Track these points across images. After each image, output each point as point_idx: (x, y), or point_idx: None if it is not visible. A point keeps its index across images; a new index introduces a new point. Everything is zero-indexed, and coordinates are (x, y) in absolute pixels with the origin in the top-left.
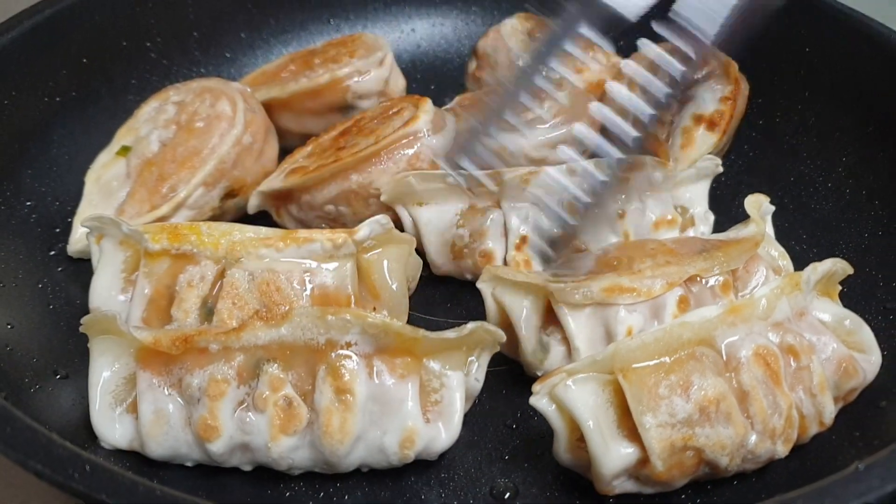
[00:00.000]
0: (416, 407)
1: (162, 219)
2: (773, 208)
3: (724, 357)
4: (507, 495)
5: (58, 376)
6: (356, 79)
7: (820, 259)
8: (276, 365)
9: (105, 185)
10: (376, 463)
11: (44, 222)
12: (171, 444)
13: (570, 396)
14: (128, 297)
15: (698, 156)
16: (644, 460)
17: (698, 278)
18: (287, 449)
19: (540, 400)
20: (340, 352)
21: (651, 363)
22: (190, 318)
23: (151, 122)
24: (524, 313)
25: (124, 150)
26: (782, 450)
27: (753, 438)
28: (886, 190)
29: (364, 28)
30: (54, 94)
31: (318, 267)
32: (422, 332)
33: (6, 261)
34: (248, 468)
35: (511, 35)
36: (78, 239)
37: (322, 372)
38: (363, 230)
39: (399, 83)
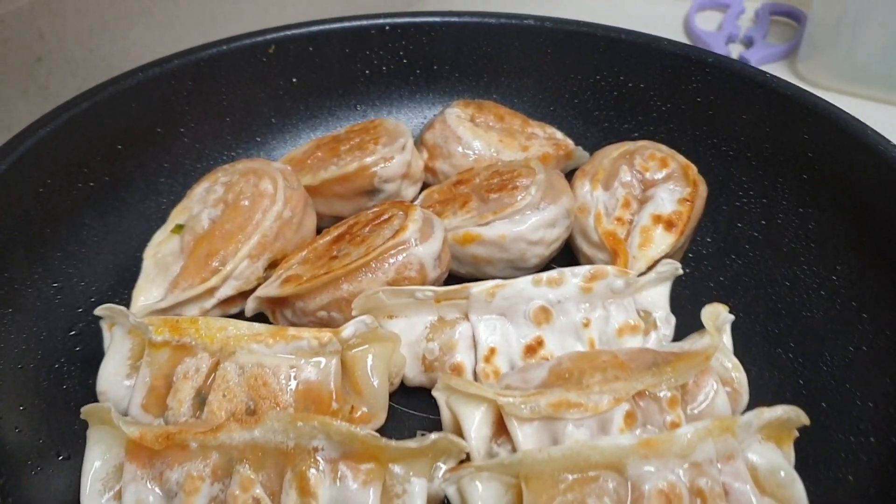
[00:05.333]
0: None
1: (212, 290)
2: (731, 318)
3: (629, 486)
4: None
5: (60, 457)
6: (382, 165)
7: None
8: (247, 465)
9: (161, 261)
10: None
11: (67, 303)
12: None
13: (473, 492)
14: (132, 383)
15: (656, 255)
16: None
17: (646, 393)
18: None
19: (448, 487)
20: (308, 456)
21: (554, 477)
22: (184, 407)
23: (202, 202)
24: (475, 423)
25: (178, 228)
26: None
27: None
28: (876, 304)
29: (388, 113)
30: (88, 180)
31: (303, 363)
32: (384, 440)
33: (27, 342)
34: None
35: (458, 124)
36: (138, 310)
37: (289, 475)
38: (348, 329)
39: (419, 165)
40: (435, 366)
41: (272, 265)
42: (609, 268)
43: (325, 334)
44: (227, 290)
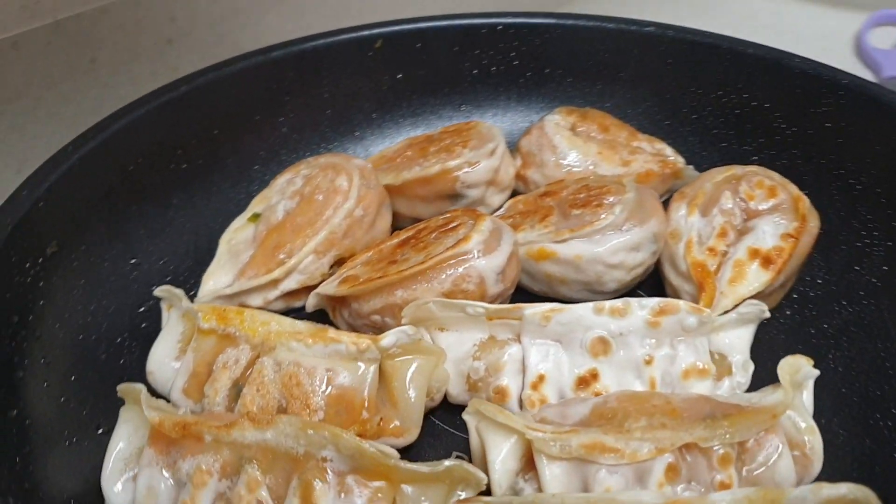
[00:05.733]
0: None
1: (275, 281)
2: (814, 373)
3: None
4: None
5: (99, 431)
6: (466, 170)
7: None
8: (256, 466)
9: (234, 248)
10: None
11: (142, 279)
12: None
13: None
14: (179, 366)
15: (746, 293)
16: None
17: (696, 446)
18: None
19: None
20: (317, 465)
21: None
22: (219, 396)
23: (281, 193)
24: (502, 454)
25: (255, 217)
26: None
27: None
28: None
29: (494, 116)
30: (181, 162)
31: (340, 367)
32: (395, 460)
33: (94, 313)
34: None
35: (555, 132)
36: (205, 294)
37: (296, 481)
38: (388, 338)
39: (509, 172)
40: (479, 386)
41: (339, 263)
42: (682, 303)
43: (364, 341)
44: (290, 284)
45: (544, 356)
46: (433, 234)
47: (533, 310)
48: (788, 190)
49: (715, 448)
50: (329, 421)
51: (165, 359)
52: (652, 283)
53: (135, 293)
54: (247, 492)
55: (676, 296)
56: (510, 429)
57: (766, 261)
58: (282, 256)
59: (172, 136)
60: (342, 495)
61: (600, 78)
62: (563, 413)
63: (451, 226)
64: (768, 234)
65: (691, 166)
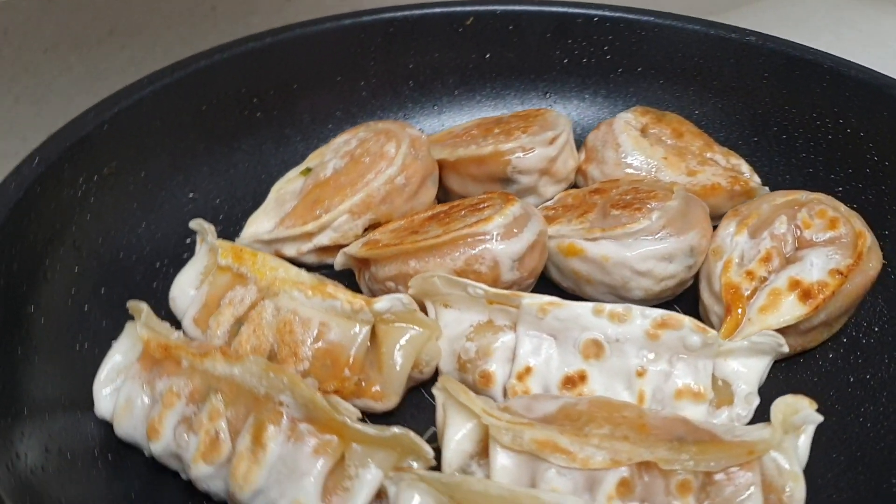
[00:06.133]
0: (314, 486)
1: (309, 235)
2: (817, 419)
3: None
4: None
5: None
6: (518, 154)
7: None
8: (221, 398)
9: (281, 197)
10: None
11: (195, 213)
12: (130, 431)
13: (407, 499)
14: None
15: (776, 324)
16: None
17: (656, 467)
18: (203, 475)
19: (390, 485)
20: (273, 407)
21: None
22: (220, 330)
23: (335, 152)
24: (459, 434)
25: (306, 171)
26: None
27: None
28: None
29: (577, 108)
30: (256, 110)
31: (334, 323)
32: (344, 417)
33: (140, 237)
34: (184, 477)
35: (623, 130)
36: (246, 236)
37: (252, 419)
38: (382, 303)
39: (568, 164)
40: (468, 367)
41: (374, 227)
42: (686, 319)
43: (359, 301)
44: (323, 239)
45: (536, 349)
46: (462, 212)
47: (531, 300)
48: (852, 224)
49: (677, 472)
50: (313, 372)
51: (187, 287)
52: (690, 299)
53: (184, 224)
54: (208, 420)
55: (706, 315)
56: (471, 411)
57: (806, 294)
58: (319, 212)
59: (251, 84)
60: (292, 440)
61: (693, 83)
62: (530, 406)
63: (482, 205)
64: (816, 266)
65: (766, 188)
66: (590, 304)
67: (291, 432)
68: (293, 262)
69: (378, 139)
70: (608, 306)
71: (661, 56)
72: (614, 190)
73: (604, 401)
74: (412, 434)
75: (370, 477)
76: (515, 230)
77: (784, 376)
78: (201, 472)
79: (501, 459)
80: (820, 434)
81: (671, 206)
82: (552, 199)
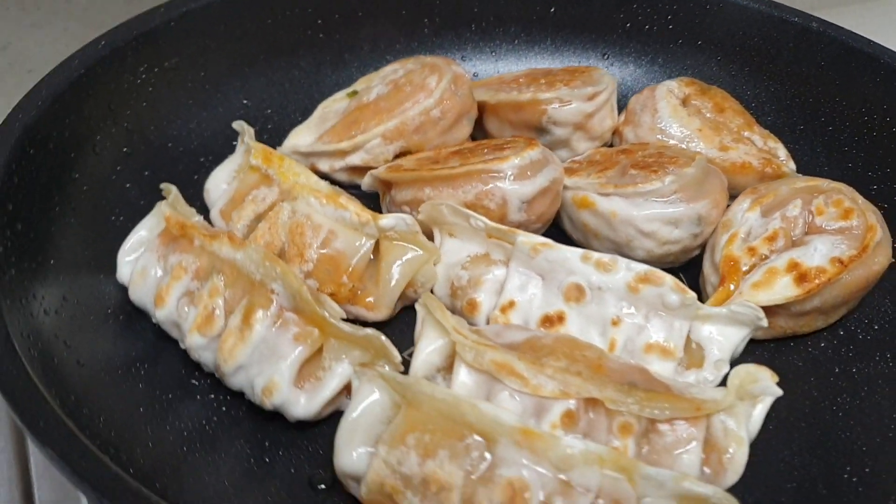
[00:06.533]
0: (289, 369)
1: (342, 153)
2: (777, 392)
3: (488, 462)
4: (322, 486)
5: None
6: (555, 105)
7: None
8: (222, 278)
9: (325, 115)
10: (249, 395)
11: (246, 117)
12: (141, 297)
13: (365, 393)
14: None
15: (765, 301)
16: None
17: (603, 406)
18: (196, 345)
19: (354, 379)
20: (266, 294)
21: (429, 415)
22: (240, 223)
23: (383, 79)
24: (430, 348)
25: (353, 94)
26: None
27: None
28: None
29: (632, 73)
30: (319, 31)
31: (342, 232)
32: (324, 311)
33: (191, 132)
34: (182, 346)
35: (663, 97)
36: (286, 147)
37: (245, 301)
38: (387, 220)
39: (605, 123)
40: (458, 294)
41: (404, 153)
42: (668, 278)
43: (366, 215)
44: (355, 159)
45: (523, 286)
46: (485, 150)
47: (526, 238)
48: (866, 217)
49: (622, 414)
50: (315, 274)
51: (221, 181)
52: (696, 269)
53: (228, 127)
54: (208, 296)
55: (704, 285)
56: (444, 327)
57: (802, 277)
58: (355, 133)
59: (318, 5)
60: (277, 326)
61: (749, 63)
62: (500, 333)
63: (505, 146)
64: (819, 252)
65: (801, 175)
66: (579, 250)
67: (278, 318)
68: (325, 177)
69: (423, 71)
70: (596, 254)
71: (723, 32)
72: (640, 152)
73: (570, 339)
74: (383, 337)
75: (341, 370)
76: (529, 173)
77: (770, 356)
78: (195, 342)
79: (462, 376)
80: (789, 413)
81: (687, 172)
82: (583, 153)
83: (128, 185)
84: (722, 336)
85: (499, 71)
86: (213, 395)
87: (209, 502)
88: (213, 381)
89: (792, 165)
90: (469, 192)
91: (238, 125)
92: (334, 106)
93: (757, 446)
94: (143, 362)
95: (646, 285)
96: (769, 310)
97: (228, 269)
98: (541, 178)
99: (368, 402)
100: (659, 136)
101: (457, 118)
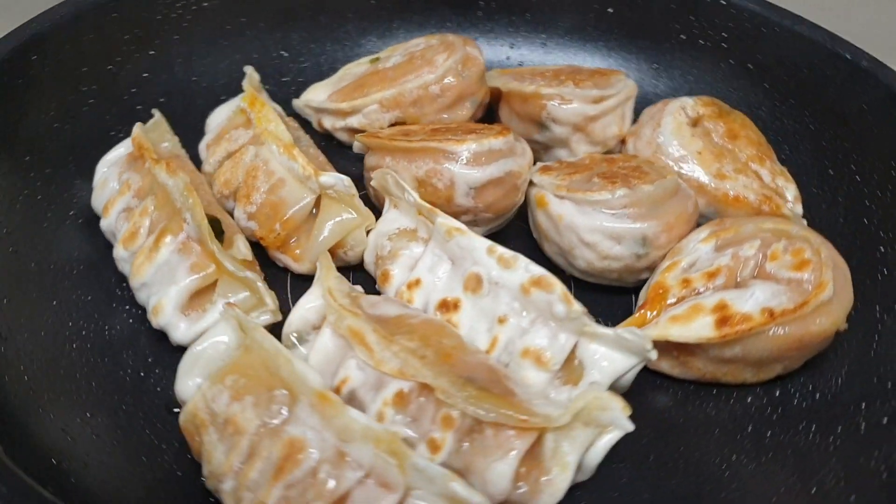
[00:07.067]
0: (177, 293)
1: (344, 112)
2: (628, 427)
3: (283, 418)
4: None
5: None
6: (555, 102)
7: None
8: (153, 200)
9: (343, 76)
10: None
11: (279, 69)
12: (97, 204)
13: (222, 327)
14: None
15: (675, 337)
16: None
17: (435, 394)
18: (119, 257)
19: (221, 317)
20: (179, 221)
21: (252, 361)
22: (212, 158)
23: (405, 50)
24: (309, 304)
25: (375, 60)
26: None
27: (229, 484)
28: None
29: (680, 87)
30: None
31: (291, 183)
32: (214, 246)
33: (215, 70)
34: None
35: (671, 112)
36: (301, 101)
37: (163, 224)
38: (327, 177)
39: (610, 130)
40: (378, 263)
41: (399, 123)
42: (559, 286)
43: (310, 170)
44: (353, 122)
45: (433, 267)
46: (460, 132)
47: (444, 220)
48: (821, 273)
49: (449, 406)
50: (256, 217)
51: (219, 117)
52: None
53: (259, 66)
54: (138, 215)
55: (637, 305)
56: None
57: (724, 321)
58: (358, 96)
59: None
60: (180, 252)
61: (794, 95)
62: (376, 304)
63: (477, 131)
64: (754, 299)
65: (804, 220)
66: (487, 242)
67: (183, 246)
68: (329, 134)
69: (437, 48)
70: (501, 249)
71: (774, 58)
72: (622, 163)
73: (438, 324)
74: (260, 284)
75: (218, 306)
76: (484, 160)
77: (683, 396)
78: (119, 254)
79: (325, 336)
80: (665, 460)
81: (643, 189)
82: (580, 155)
83: (138, 108)
84: (607, 360)
85: (545, 63)
86: (129, 307)
87: (74, 397)
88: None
89: (798, 209)
90: (421, 168)
91: (248, 68)
92: (355, 69)
93: (604, 483)
94: (83, 262)
95: (537, 289)
96: (687, 348)
97: (161, 193)
98: (494, 167)
99: (216, 339)
100: (654, 152)
101: (457, 98)
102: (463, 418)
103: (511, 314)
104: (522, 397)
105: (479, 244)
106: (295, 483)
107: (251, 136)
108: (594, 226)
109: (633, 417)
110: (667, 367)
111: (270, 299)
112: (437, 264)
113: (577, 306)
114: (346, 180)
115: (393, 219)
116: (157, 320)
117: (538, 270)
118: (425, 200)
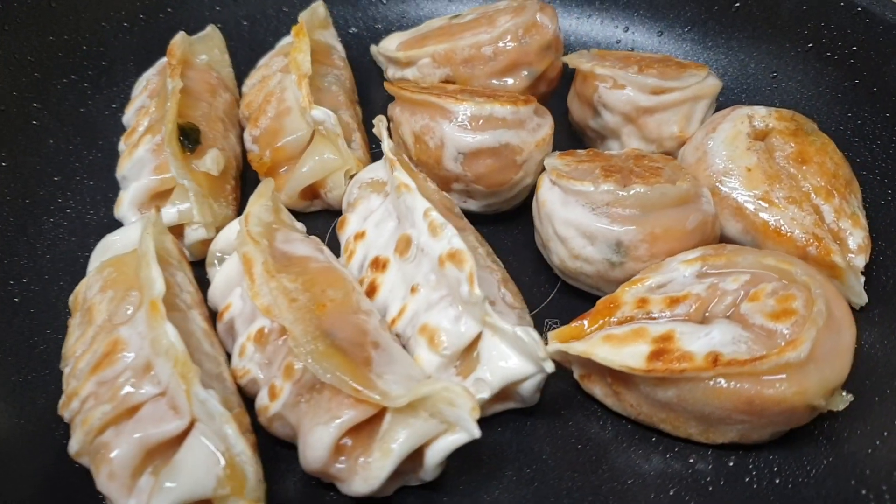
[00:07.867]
0: (134, 191)
1: (400, 62)
2: (475, 434)
3: (126, 317)
4: None
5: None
6: (606, 84)
7: None
8: (154, 103)
9: (420, 28)
10: None
11: (374, 16)
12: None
13: (132, 229)
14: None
15: (601, 359)
16: None
17: (289, 341)
18: (120, 149)
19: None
20: (161, 125)
21: (135, 257)
22: (250, 80)
23: (486, 8)
24: (238, 228)
25: (455, 17)
26: None
27: (67, 369)
28: None
29: (800, 100)
30: None
31: (295, 114)
32: (169, 150)
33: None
34: None
35: (734, 119)
36: (380, 46)
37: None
38: (317, 112)
39: (667, 128)
40: (344, 209)
41: (448, 81)
42: (470, 265)
43: (307, 102)
44: (408, 74)
45: (381, 221)
46: (477, 94)
47: (398, 174)
48: (802, 330)
49: (296, 356)
50: (260, 139)
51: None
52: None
53: (353, 16)
54: (143, 114)
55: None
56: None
57: (657, 354)
58: (416, 47)
59: None
60: (153, 152)
61: None
62: (289, 240)
63: (496, 94)
64: (708, 339)
65: (862, 276)
66: (426, 205)
67: (157, 147)
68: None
69: (508, 9)
70: (434, 214)
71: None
72: (648, 161)
73: (336, 275)
74: (197, 196)
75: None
76: (481, 125)
77: (614, 432)
78: (120, 147)
79: (232, 261)
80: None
81: (635, 190)
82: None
83: (219, 26)
84: (503, 360)
85: (658, 51)
86: None
87: None
88: None
89: (859, 262)
90: (418, 123)
91: (317, 3)
92: (434, 24)
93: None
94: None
95: (451, 264)
96: (621, 377)
97: (162, 96)
98: (490, 135)
99: (126, 235)
100: (699, 158)
101: (511, 65)
102: (304, 372)
103: (424, 285)
104: (377, 370)
105: (419, 205)
106: (105, 381)
107: (284, 66)
108: (568, 218)
109: (550, 439)
110: (600, 393)
111: (205, 215)
112: (385, 220)
113: (479, 291)
114: (332, 118)
115: (373, 168)
116: (116, 212)
117: (458, 244)
118: (418, 158)
